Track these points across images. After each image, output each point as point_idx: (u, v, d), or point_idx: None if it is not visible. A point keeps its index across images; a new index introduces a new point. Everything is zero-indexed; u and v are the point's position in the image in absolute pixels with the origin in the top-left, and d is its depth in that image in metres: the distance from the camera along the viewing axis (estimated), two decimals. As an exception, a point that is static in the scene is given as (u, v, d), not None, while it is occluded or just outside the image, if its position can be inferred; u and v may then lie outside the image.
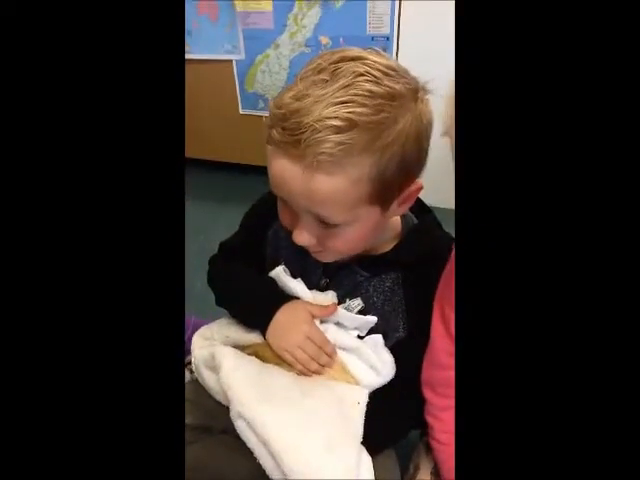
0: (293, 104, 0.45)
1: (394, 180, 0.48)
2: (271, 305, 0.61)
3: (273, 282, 0.64)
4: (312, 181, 0.46)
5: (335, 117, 0.43)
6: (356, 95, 0.44)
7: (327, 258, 0.58)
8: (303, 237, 0.53)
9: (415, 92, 0.48)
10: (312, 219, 0.51)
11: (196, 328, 1.05)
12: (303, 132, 0.44)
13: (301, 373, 0.59)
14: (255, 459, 0.53)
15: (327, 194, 0.46)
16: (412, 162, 0.48)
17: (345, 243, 0.53)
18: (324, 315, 0.60)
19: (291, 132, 0.45)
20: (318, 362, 0.58)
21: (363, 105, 0.44)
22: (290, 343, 0.58)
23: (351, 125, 0.44)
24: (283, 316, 0.60)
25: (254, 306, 0.64)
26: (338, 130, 0.43)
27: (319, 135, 0.43)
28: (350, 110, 0.43)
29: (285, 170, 0.47)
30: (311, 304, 0.61)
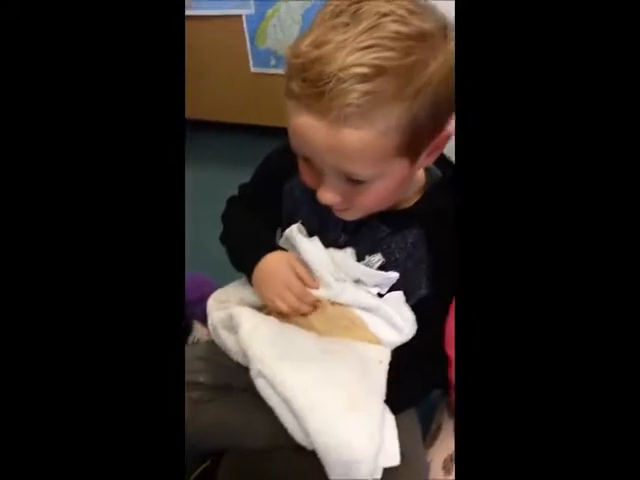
0: (312, 52, 0.41)
1: (425, 128, 0.45)
2: (256, 254, 0.61)
3: (266, 231, 0.66)
4: (338, 136, 0.43)
5: (361, 64, 0.40)
6: (382, 38, 0.40)
7: (352, 216, 0.56)
8: (328, 196, 0.50)
9: (444, 29, 0.44)
10: (337, 176, 0.48)
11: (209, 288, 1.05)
12: (327, 83, 0.40)
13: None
14: (275, 419, 0.52)
15: (355, 148, 0.43)
16: (444, 108, 0.45)
17: (372, 199, 0.51)
18: (302, 277, 0.58)
19: (313, 83, 0.41)
20: (299, 312, 0.58)
21: (390, 49, 0.40)
22: (271, 292, 0.59)
23: (379, 72, 0.40)
24: (265, 266, 0.60)
25: (242, 253, 0.65)
26: (365, 78, 0.40)
27: (344, 85, 0.40)
28: (377, 55, 0.40)
29: (308, 126, 0.44)
30: (294, 257, 0.60)
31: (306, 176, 0.53)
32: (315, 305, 0.58)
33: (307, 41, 0.42)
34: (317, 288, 0.58)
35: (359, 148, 0.43)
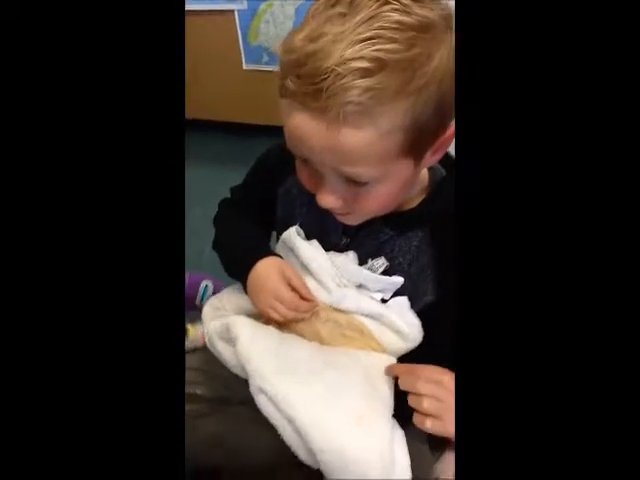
0: (307, 46, 0.38)
1: (430, 126, 0.42)
2: (248, 261, 0.58)
3: (259, 236, 0.63)
4: (338, 136, 0.40)
5: (360, 57, 0.37)
6: (383, 29, 0.37)
7: (354, 220, 0.53)
8: (328, 200, 0.48)
9: (448, 19, 0.41)
10: (338, 178, 0.45)
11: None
12: (324, 79, 0.37)
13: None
14: (276, 434, 0.49)
15: (356, 150, 0.41)
16: (449, 103, 0.42)
17: (376, 203, 0.48)
18: (295, 286, 0.55)
19: (309, 80, 0.38)
20: (294, 321, 0.56)
21: (392, 40, 0.37)
22: (262, 303, 0.56)
23: (380, 66, 0.37)
24: (256, 274, 0.57)
25: (234, 261, 0.62)
26: (365, 73, 0.37)
27: (343, 81, 0.37)
28: (377, 47, 0.37)
29: (305, 126, 0.41)
30: (285, 264, 0.57)
31: (304, 179, 0.50)
32: (313, 311, 0.56)
33: (301, 35, 0.39)
34: (311, 297, 0.55)
35: (361, 149, 0.40)
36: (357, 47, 0.37)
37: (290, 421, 0.46)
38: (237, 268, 0.61)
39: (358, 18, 0.37)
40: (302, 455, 0.47)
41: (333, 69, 0.37)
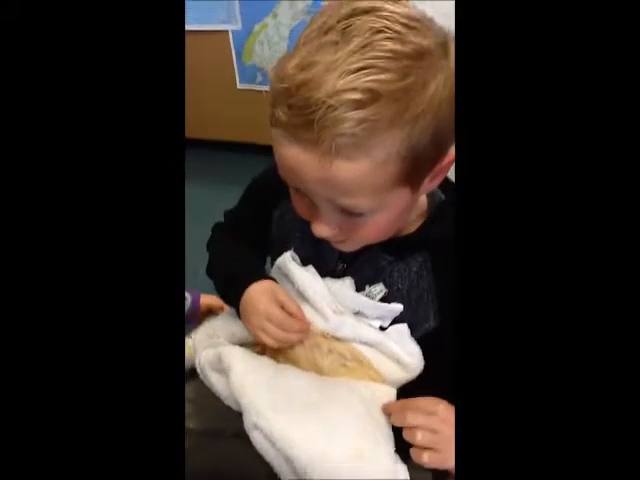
0: (298, 75, 0.38)
1: (427, 154, 0.41)
2: (241, 285, 0.56)
3: (253, 261, 0.62)
4: (331, 168, 0.39)
5: (353, 89, 0.36)
6: (376, 58, 0.36)
7: (350, 247, 0.52)
8: (323, 230, 0.47)
9: (445, 46, 0.40)
10: (333, 209, 0.44)
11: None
12: (315, 111, 0.36)
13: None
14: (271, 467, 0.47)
15: (350, 182, 0.40)
16: (446, 131, 0.41)
17: (372, 232, 0.47)
18: (286, 305, 0.53)
19: (300, 111, 0.37)
20: (287, 343, 0.54)
21: (386, 70, 0.36)
22: (253, 325, 0.54)
23: (374, 97, 0.36)
24: (248, 297, 0.55)
25: (228, 285, 0.61)
26: (358, 105, 0.36)
27: (336, 113, 0.36)
28: (371, 78, 0.36)
29: (297, 157, 0.40)
30: (278, 286, 0.55)
31: (298, 207, 0.49)
32: (305, 334, 0.54)
33: (292, 63, 0.39)
34: (303, 317, 0.53)
35: (354, 181, 0.40)
36: (350, 78, 0.36)
37: (287, 459, 0.44)
38: (230, 292, 0.59)
39: (351, 47, 0.37)
40: (299, 493, 0.45)
41: (324, 101, 0.36)
